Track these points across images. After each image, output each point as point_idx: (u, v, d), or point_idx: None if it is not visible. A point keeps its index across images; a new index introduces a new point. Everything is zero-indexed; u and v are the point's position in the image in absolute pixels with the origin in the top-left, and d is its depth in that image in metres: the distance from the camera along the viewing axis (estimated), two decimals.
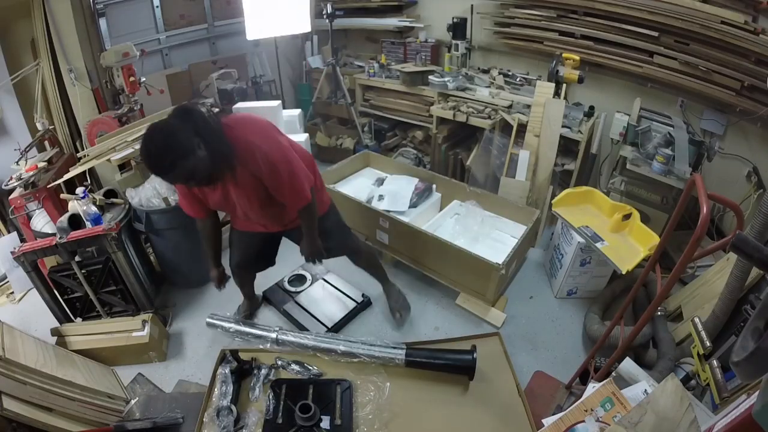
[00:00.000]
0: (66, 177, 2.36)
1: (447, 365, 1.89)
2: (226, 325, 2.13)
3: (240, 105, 3.21)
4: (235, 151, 1.43)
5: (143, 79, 2.81)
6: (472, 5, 3.37)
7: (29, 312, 2.40)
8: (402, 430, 1.71)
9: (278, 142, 1.54)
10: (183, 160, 1.31)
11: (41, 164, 2.49)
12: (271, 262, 2.15)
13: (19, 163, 2.50)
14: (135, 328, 2.06)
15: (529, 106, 2.82)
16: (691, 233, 1.10)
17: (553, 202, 2.47)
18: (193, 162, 1.33)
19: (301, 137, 3.30)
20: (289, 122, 3.31)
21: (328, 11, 3.53)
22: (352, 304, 2.34)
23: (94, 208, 2.13)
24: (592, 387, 1.39)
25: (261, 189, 1.56)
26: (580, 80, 2.64)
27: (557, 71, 2.65)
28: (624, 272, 2.02)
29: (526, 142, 2.77)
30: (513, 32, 3.24)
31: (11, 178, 2.41)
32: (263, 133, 1.51)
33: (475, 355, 1.84)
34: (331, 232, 1.93)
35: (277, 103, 3.23)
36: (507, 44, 3.35)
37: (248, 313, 2.32)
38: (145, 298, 2.23)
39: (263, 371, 1.88)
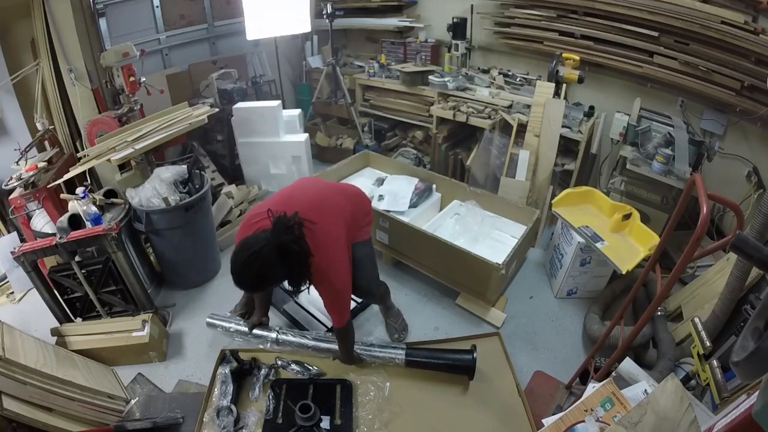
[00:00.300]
0: (66, 177, 2.36)
1: (447, 365, 1.89)
2: (226, 324, 2.13)
3: (240, 105, 3.22)
4: (303, 272, 1.50)
5: (143, 79, 2.80)
6: (472, 5, 3.37)
7: (29, 312, 2.39)
8: (402, 430, 1.71)
9: (345, 266, 1.61)
10: (268, 284, 1.55)
11: (41, 164, 2.49)
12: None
13: (19, 163, 2.50)
14: (135, 328, 2.06)
15: (529, 106, 2.82)
16: (691, 233, 1.10)
17: (553, 202, 2.47)
18: (273, 283, 1.55)
19: (300, 137, 3.31)
20: (288, 122, 3.32)
21: (328, 11, 3.53)
22: (352, 304, 2.34)
23: (94, 208, 2.13)
24: (592, 387, 1.39)
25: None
26: (580, 80, 2.64)
27: (557, 71, 2.65)
28: (624, 272, 2.02)
29: (526, 142, 2.77)
30: (513, 32, 3.24)
31: (11, 178, 2.41)
32: (334, 257, 1.56)
33: (475, 354, 1.84)
34: (362, 264, 1.88)
35: (277, 103, 3.24)
36: (507, 44, 3.35)
37: (244, 312, 2.31)
38: (145, 298, 2.23)
39: (263, 371, 1.88)
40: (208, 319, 2.18)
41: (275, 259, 1.37)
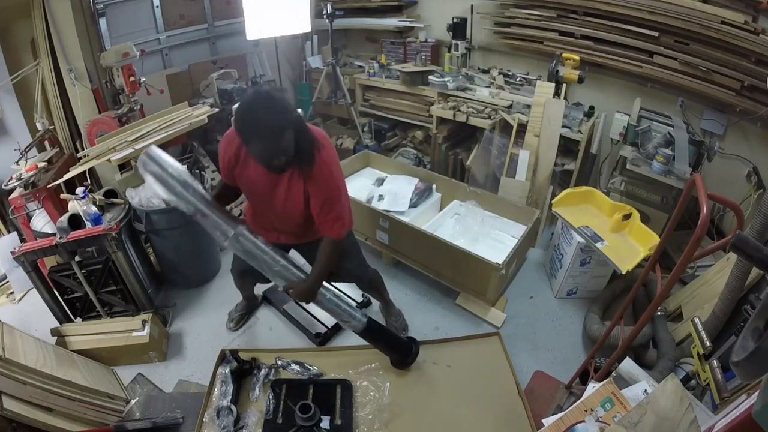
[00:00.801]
0: (66, 177, 2.36)
1: (390, 347, 1.90)
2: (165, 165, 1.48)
3: None
4: (312, 147, 1.45)
5: (143, 79, 2.80)
6: (472, 5, 3.37)
7: (29, 312, 2.39)
8: (402, 430, 1.71)
9: (340, 165, 1.57)
10: (275, 139, 1.33)
11: (41, 164, 2.49)
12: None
13: (19, 163, 2.50)
14: (135, 328, 2.06)
15: (529, 106, 2.82)
16: (691, 233, 1.10)
17: (553, 202, 2.47)
18: (287, 141, 1.35)
19: None
20: None
21: (328, 11, 3.53)
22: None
23: (94, 208, 2.13)
24: (592, 387, 1.39)
25: (304, 198, 1.54)
26: (580, 80, 2.64)
27: (557, 71, 2.65)
28: (624, 272, 2.02)
29: (526, 142, 2.77)
30: (513, 32, 3.23)
31: (11, 178, 2.41)
32: (333, 150, 1.55)
33: (415, 348, 1.90)
34: (348, 252, 1.87)
35: None
36: (507, 44, 3.35)
37: (244, 312, 2.31)
38: (145, 298, 2.23)
39: (263, 371, 1.88)
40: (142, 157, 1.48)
41: (292, 115, 1.35)
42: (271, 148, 1.36)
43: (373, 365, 1.93)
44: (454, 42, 3.39)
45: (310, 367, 1.92)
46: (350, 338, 2.10)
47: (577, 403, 1.39)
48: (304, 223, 1.67)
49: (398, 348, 1.90)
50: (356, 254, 1.95)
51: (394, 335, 1.97)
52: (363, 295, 2.39)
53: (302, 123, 1.44)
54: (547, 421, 1.39)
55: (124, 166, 2.57)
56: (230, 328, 2.27)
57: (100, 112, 2.76)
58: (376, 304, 2.39)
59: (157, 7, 3.30)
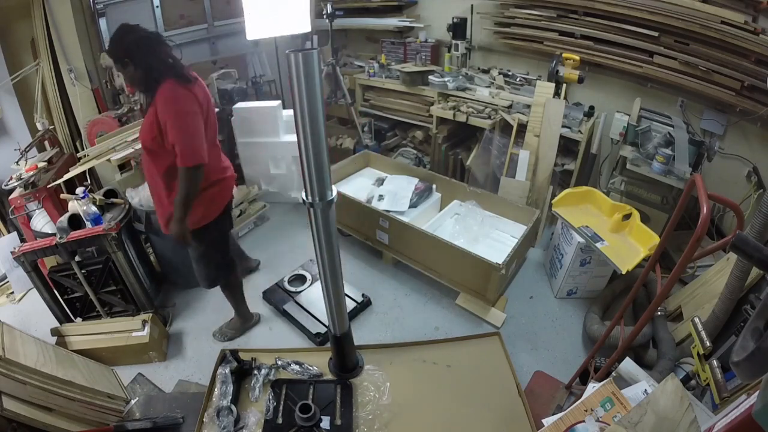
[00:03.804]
0: (66, 177, 2.36)
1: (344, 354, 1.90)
2: None
3: (240, 105, 3.22)
4: (156, 75, 1.59)
5: None
6: (472, 5, 3.37)
7: (29, 312, 2.40)
8: (402, 430, 1.71)
9: (192, 92, 1.63)
10: (127, 53, 1.58)
11: (41, 164, 2.49)
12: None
13: (19, 163, 2.50)
14: (135, 328, 2.06)
15: (529, 106, 2.82)
16: (691, 233, 1.10)
17: (553, 202, 2.47)
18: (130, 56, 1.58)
19: None
20: (288, 122, 3.31)
21: (328, 11, 3.52)
22: (351, 304, 2.34)
23: (94, 208, 2.13)
24: (592, 387, 1.39)
25: (156, 125, 1.60)
26: (580, 80, 2.64)
27: (557, 71, 2.65)
28: (624, 272, 2.02)
29: (526, 142, 2.77)
30: (513, 32, 3.23)
31: (11, 178, 2.41)
32: (185, 81, 1.62)
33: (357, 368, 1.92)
34: (208, 248, 1.86)
35: (277, 103, 3.24)
36: (507, 44, 3.35)
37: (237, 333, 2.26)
38: (145, 298, 2.23)
39: (263, 371, 1.88)
40: None
41: (146, 41, 1.59)
42: (121, 60, 1.60)
43: (373, 365, 1.93)
44: (454, 42, 3.39)
45: (310, 367, 1.92)
46: None
47: (577, 403, 1.39)
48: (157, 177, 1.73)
49: (350, 359, 1.92)
50: (212, 257, 1.91)
51: (354, 347, 1.95)
52: (363, 295, 2.39)
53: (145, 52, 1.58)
54: (547, 421, 1.39)
55: (124, 166, 2.57)
56: (218, 339, 2.22)
57: (100, 112, 2.76)
58: (377, 302, 2.40)
59: (157, 7, 3.31)
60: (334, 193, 1.40)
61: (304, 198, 1.39)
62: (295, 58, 1.15)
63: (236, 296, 2.16)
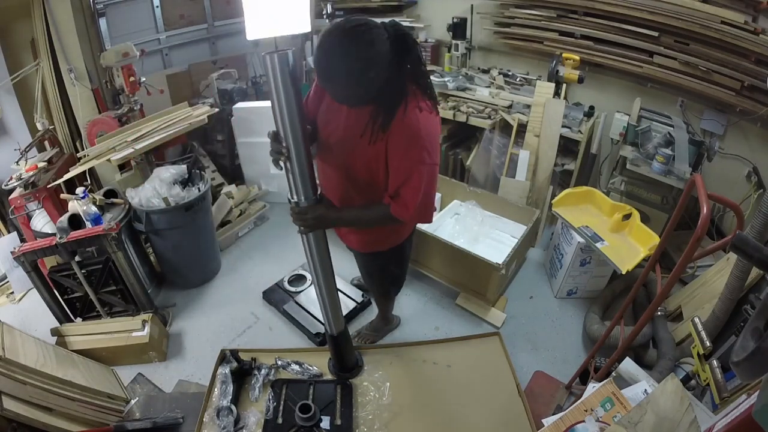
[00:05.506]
0: (66, 177, 2.36)
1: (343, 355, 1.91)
2: None
3: (240, 105, 3.22)
4: (401, 102, 1.20)
5: (143, 79, 2.80)
6: (472, 5, 3.37)
7: (29, 312, 2.39)
8: (402, 430, 1.71)
9: (434, 138, 1.32)
10: (362, 75, 1.11)
11: (41, 164, 2.49)
12: None
13: (19, 163, 2.50)
14: (135, 328, 2.06)
15: (529, 106, 2.82)
16: (691, 233, 1.10)
17: (553, 202, 2.47)
18: (369, 78, 1.12)
19: None
20: None
21: (328, 11, 3.53)
22: (352, 304, 2.34)
23: (94, 208, 2.13)
24: (592, 387, 1.39)
25: (378, 160, 1.29)
26: (580, 80, 2.64)
27: (557, 71, 2.65)
28: (624, 272, 2.02)
29: (526, 142, 2.77)
30: (513, 32, 3.23)
31: (11, 178, 2.41)
32: (435, 123, 1.32)
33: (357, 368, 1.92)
34: (402, 260, 1.78)
35: None
36: (507, 44, 3.34)
37: None
38: (145, 298, 2.23)
39: (263, 371, 1.88)
40: None
41: (386, 46, 1.09)
42: (349, 81, 1.14)
43: (373, 365, 1.93)
44: (454, 42, 3.39)
45: (310, 367, 1.92)
46: None
47: (577, 403, 1.39)
48: (353, 197, 1.44)
49: (349, 359, 1.92)
50: (405, 265, 1.85)
51: (352, 347, 1.95)
52: (363, 295, 2.39)
53: (407, 58, 1.18)
54: (547, 421, 1.39)
55: (124, 166, 2.57)
56: (358, 342, 2.13)
57: (100, 112, 2.76)
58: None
59: (157, 7, 3.30)
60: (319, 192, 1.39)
61: (290, 197, 1.37)
62: (270, 60, 1.13)
63: (390, 302, 2.12)
